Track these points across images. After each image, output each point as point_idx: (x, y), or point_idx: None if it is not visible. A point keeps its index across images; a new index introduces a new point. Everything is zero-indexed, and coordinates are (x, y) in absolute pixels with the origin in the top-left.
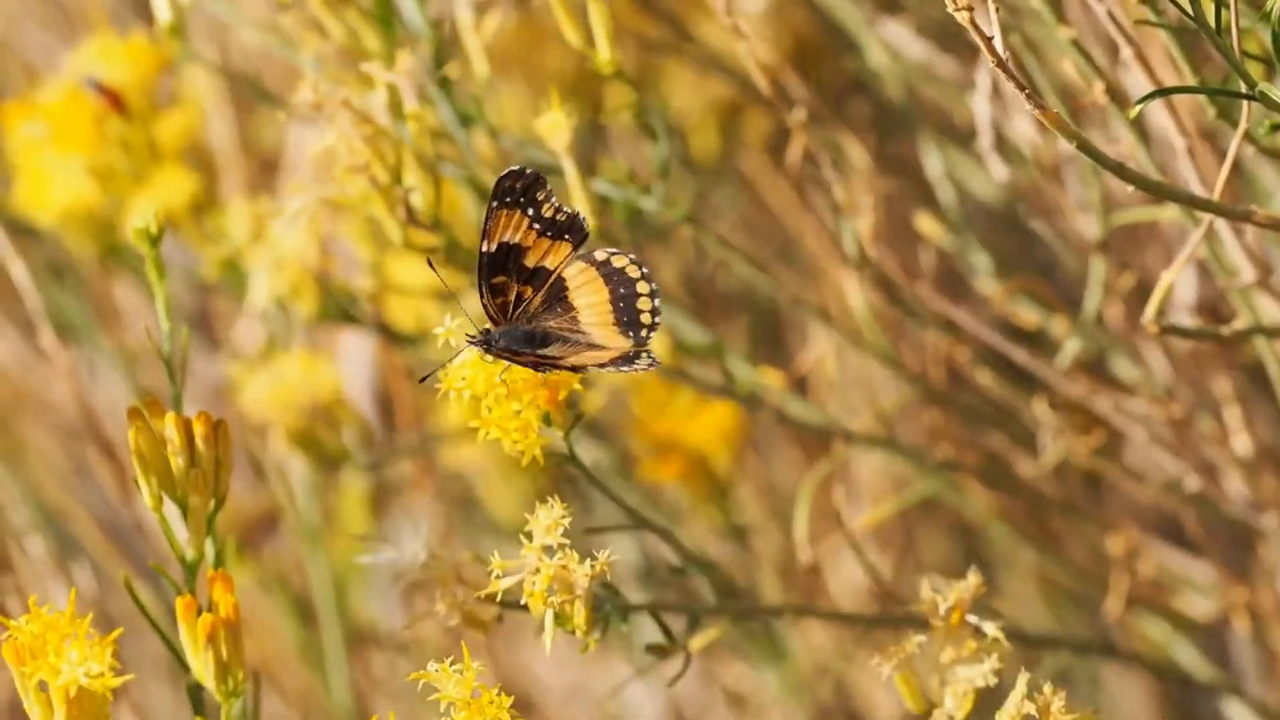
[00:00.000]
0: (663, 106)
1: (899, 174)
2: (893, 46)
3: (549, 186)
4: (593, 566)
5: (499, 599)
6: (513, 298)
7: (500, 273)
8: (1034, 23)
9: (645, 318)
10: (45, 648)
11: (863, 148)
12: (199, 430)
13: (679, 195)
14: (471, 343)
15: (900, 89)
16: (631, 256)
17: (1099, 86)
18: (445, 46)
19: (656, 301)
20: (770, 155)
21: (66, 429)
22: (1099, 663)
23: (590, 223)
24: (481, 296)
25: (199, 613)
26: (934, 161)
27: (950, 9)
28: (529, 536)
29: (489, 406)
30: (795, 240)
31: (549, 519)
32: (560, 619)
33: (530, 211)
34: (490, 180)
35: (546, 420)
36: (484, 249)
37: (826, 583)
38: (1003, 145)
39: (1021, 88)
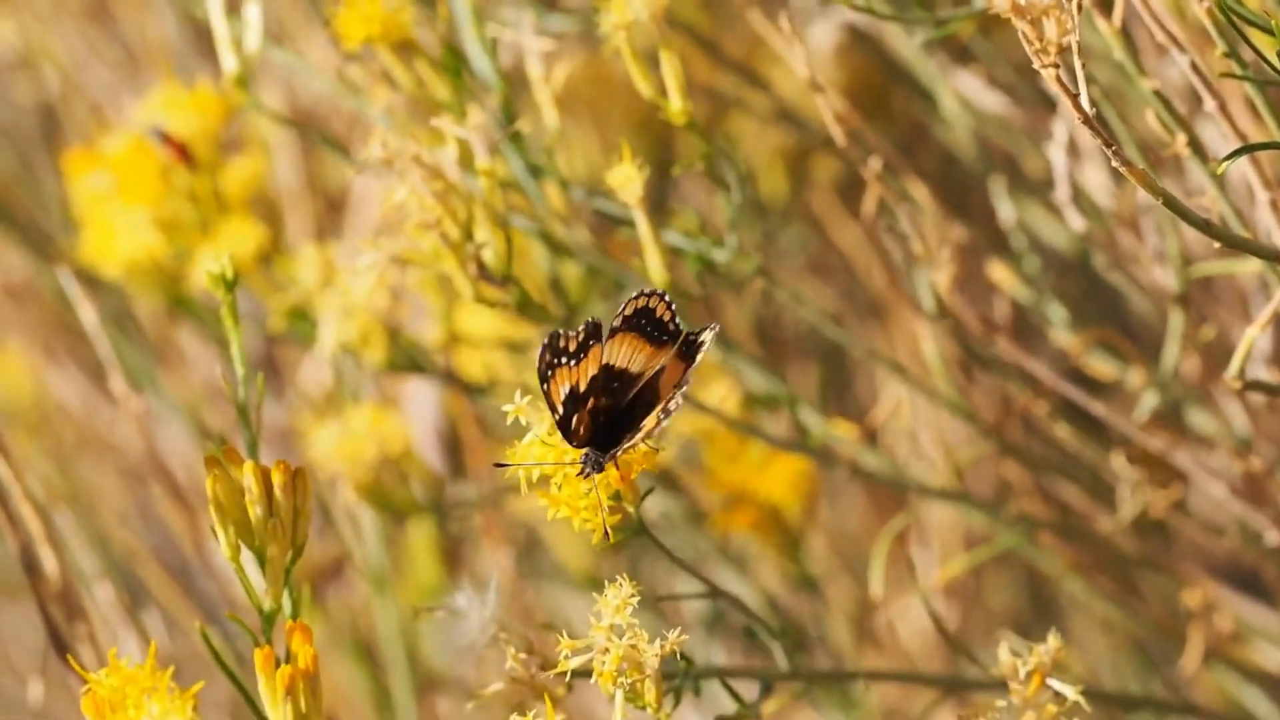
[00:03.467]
0: (734, 155)
1: (971, 223)
2: (964, 96)
3: (669, 300)
4: (662, 645)
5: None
6: (596, 409)
7: (590, 395)
8: (1112, 71)
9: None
10: (125, 701)
11: (935, 197)
12: (277, 479)
13: (750, 246)
14: (585, 473)
15: (971, 138)
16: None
17: (1181, 139)
18: (515, 96)
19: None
20: (839, 196)
21: (132, 473)
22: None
23: (663, 276)
24: (564, 423)
25: (277, 664)
26: (1007, 210)
27: (1036, 66)
28: (598, 616)
29: (558, 484)
30: (864, 281)
31: (618, 599)
32: (631, 696)
33: (648, 329)
34: (561, 232)
35: (616, 495)
36: (576, 381)
37: (898, 631)
38: (1078, 196)
39: (1108, 144)
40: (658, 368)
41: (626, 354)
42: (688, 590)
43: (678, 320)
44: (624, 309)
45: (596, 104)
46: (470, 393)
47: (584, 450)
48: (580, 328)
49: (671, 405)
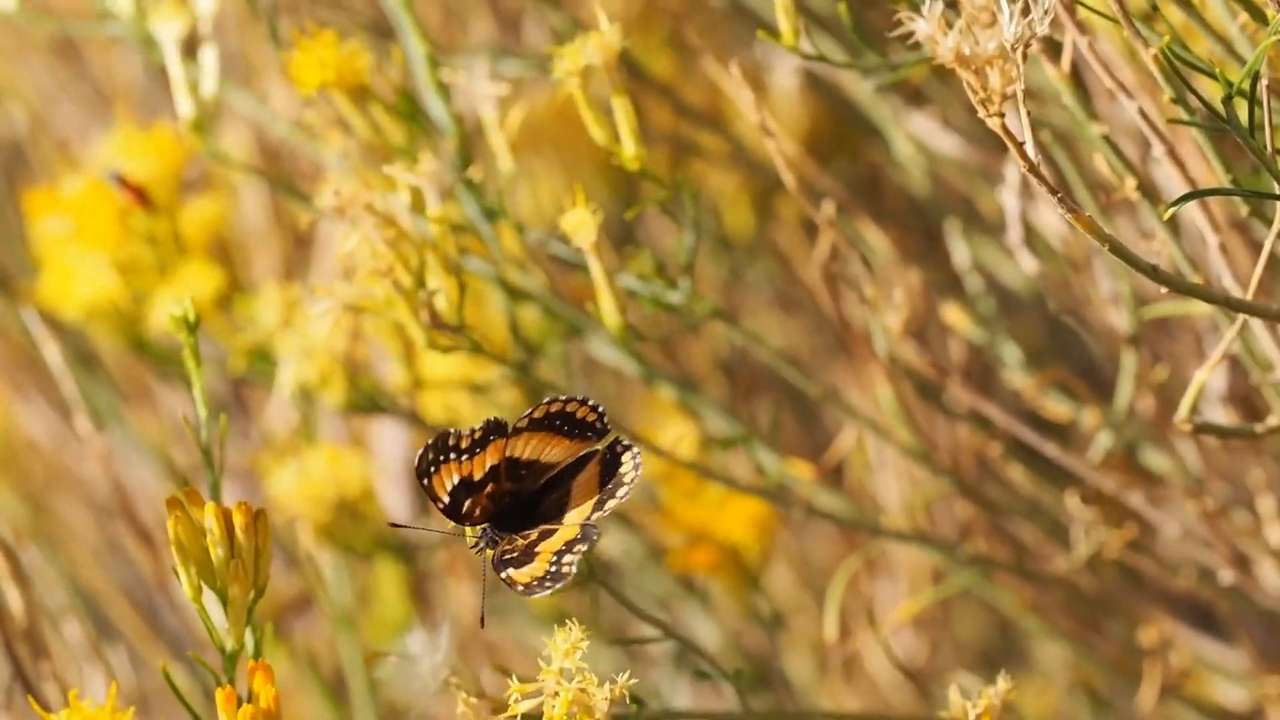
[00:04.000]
0: (690, 198)
1: (926, 264)
2: (918, 138)
3: (595, 405)
4: (612, 689)
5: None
6: (500, 493)
7: (489, 481)
8: (1064, 112)
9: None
10: None
11: (889, 239)
12: (239, 521)
13: (709, 279)
14: (478, 549)
15: (926, 180)
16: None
17: (1131, 183)
18: (470, 141)
19: (637, 461)
20: (804, 231)
21: (101, 508)
22: None
23: (616, 320)
24: (453, 509)
25: (239, 704)
26: (961, 252)
27: (981, 114)
28: (548, 660)
29: None
30: (829, 316)
31: (567, 641)
32: None
33: (564, 428)
34: (516, 276)
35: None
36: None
37: (865, 663)
38: (1031, 237)
39: (1054, 192)
40: (576, 457)
41: (537, 448)
42: (650, 630)
43: (604, 421)
44: (533, 411)
45: (559, 142)
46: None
47: (480, 528)
48: (479, 426)
49: (570, 554)
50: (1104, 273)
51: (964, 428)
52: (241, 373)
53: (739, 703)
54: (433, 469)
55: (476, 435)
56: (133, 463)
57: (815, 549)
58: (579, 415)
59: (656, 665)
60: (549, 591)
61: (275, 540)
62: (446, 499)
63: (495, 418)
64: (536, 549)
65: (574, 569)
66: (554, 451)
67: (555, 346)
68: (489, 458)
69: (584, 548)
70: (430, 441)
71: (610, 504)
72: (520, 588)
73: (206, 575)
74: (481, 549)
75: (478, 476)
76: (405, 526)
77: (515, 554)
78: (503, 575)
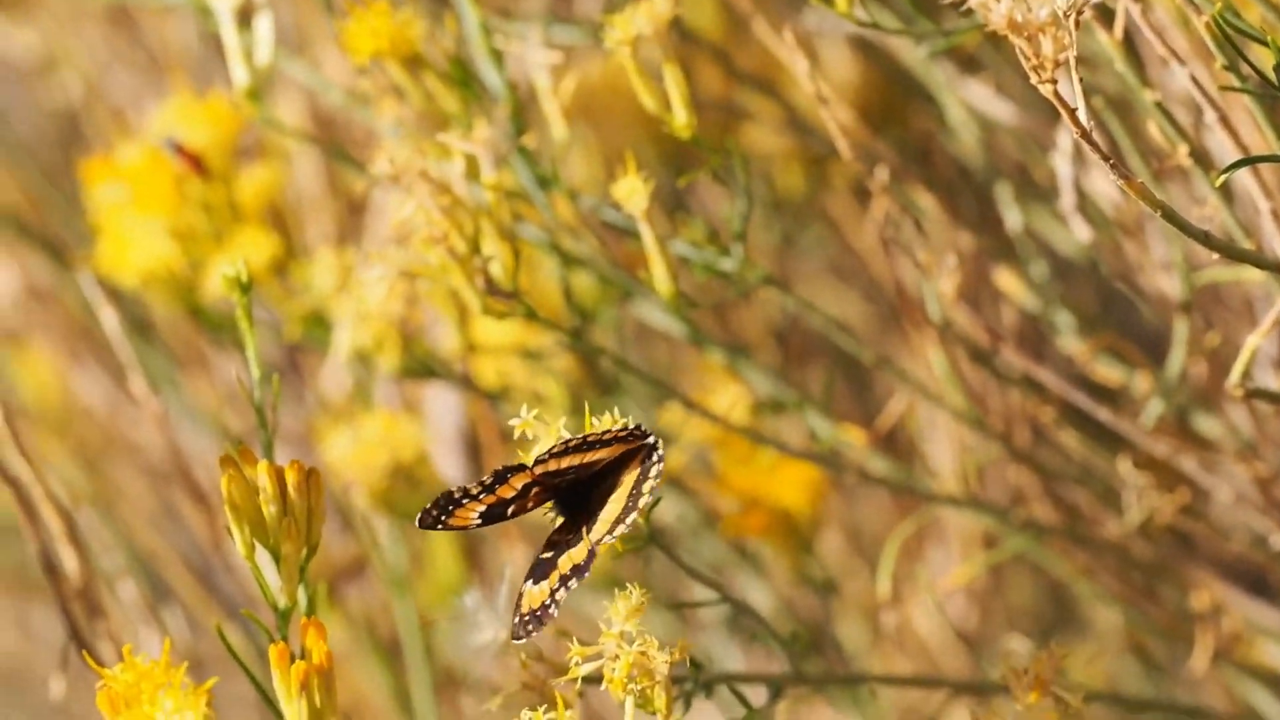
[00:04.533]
0: (742, 165)
1: (979, 231)
2: (971, 105)
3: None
4: (672, 653)
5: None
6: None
7: (528, 492)
8: (1115, 80)
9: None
10: (139, 697)
11: (942, 206)
12: (291, 479)
13: (761, 247)
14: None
15: (979, 147)
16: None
17: (1183, 150)
18: (523, 109)
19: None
20: (857, 198)
21: (156, 473)
22: None
23: (668, 287)
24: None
25: (292, 660)
26: (1014, 218)
27: (1034, 81)
28: (609, 623)
29: None
30: (882, 283)
31: (628, 606)
32: (641, 702)
33: (595, 445)
34: (569, 242)
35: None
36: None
37: (918, 629)
38: (1084, 203)
39: (1106, 158)
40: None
41: (572, 461)
42: (703, 594)
43: (641, 430)
44: (555, 447)
45: (611, 110)
46: (487, 398)
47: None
48: (486, 478)
49: (563, 589)
50: (1157, 239)
51: (1016, 393)
52: (297, 339)
53: (792, 666)
54: (443, 517)
55: (485, 481)
56: (188, 429)
57: (866, 517)
58: (614, 438)
59: (709, 631)
60: (529, 634)
61: (330, 505)
62: (477, 522)
63: (507, 466)
64: (558, 561)
65: (555, 613)
66: (594, 456)
67: (608, 313)
68: (515, 484)
69: (575, 583)
70: (428, 505)
71: (627, 520)
72: (517, 618)
73: (259, 533)
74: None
75: (509, 496)
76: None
77: (537, 566)
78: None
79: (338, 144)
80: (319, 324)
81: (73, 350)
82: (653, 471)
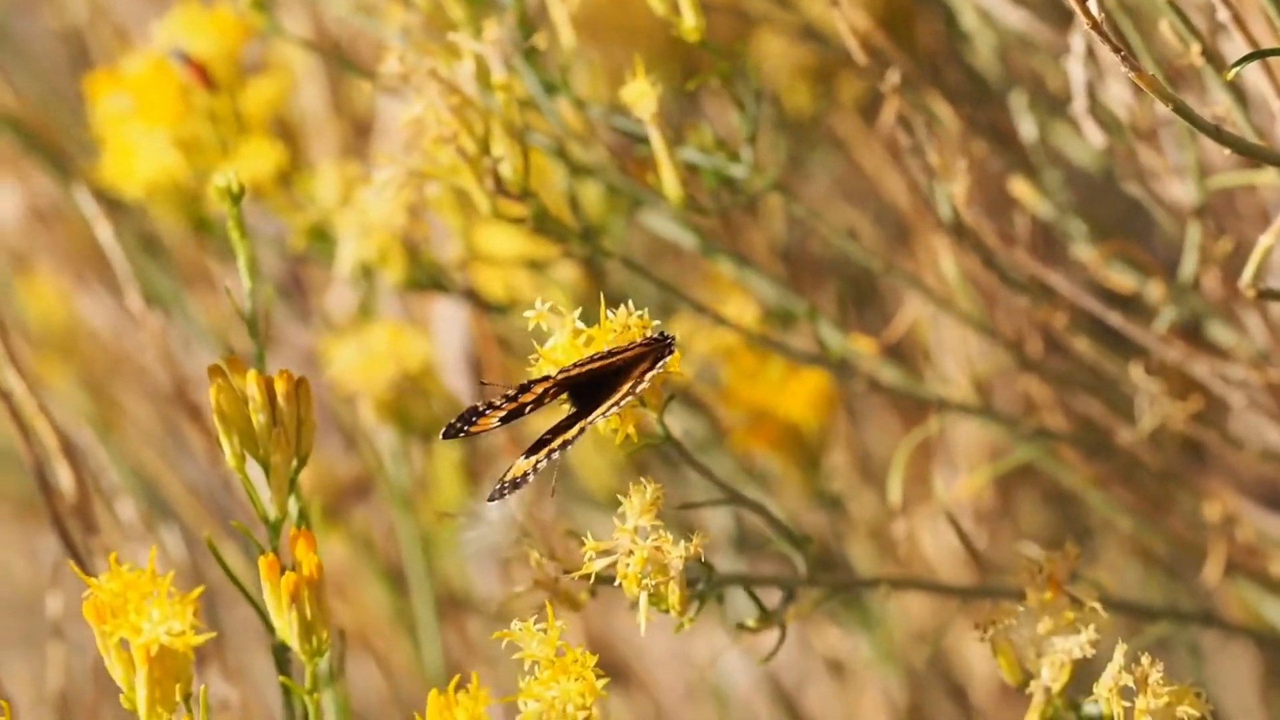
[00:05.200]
0: (753, 71)
1: (992, 139)
2: (985, 11)
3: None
4: (687, 548)
5: (592, 578)
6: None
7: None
8: None
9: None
10: (126, 606)
11: (955, 112)
12: (280, 388)
13: (768, 161)
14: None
15: (993, 54)
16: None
17: (1196, 49)
18: (531, 15)
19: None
20: (864, 116)
21: (159, 395)
22: (1198, 631)
23: (678, 192)
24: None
25: (282, 572)
26: (1028, 126)
27: None
28: (623, 518)
29: None
30: (889, 202)
31: (642, 501)
32: (655, 599)
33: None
34: (577, 150)
35: (641, 401)
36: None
37: (923, 548)
38: (1097, 109)
39: (1117, 50)
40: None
41: (595, 366)
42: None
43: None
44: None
45: (618, 22)
46: (490, 311)
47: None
48: (509, 393)
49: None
50: (1170, 145)
51: (1027, 299)
52: (301, 251)
53: (806, 570)
54: (466, 427)
55: (509, 392)
56: (194, 349)
57: (873, 439)
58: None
59: (716, 550)
60: (501, 497)
61: (335, 423)
62: (496, 426)
63: (531, 380)
64: (548, 444)
65: (531, 479)
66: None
67: (616, 224)
68: (537, 389)
69: (555, 457)
70: (453, 420)
71: (623, 402)
72: (498, 484)
73: (249, 444)
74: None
75: (529, 398)
76: (487, 432)
77: (535, 444)
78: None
79: (343, 56)
80: (323, 238)
81: (78, 272)
82: (664, 359)
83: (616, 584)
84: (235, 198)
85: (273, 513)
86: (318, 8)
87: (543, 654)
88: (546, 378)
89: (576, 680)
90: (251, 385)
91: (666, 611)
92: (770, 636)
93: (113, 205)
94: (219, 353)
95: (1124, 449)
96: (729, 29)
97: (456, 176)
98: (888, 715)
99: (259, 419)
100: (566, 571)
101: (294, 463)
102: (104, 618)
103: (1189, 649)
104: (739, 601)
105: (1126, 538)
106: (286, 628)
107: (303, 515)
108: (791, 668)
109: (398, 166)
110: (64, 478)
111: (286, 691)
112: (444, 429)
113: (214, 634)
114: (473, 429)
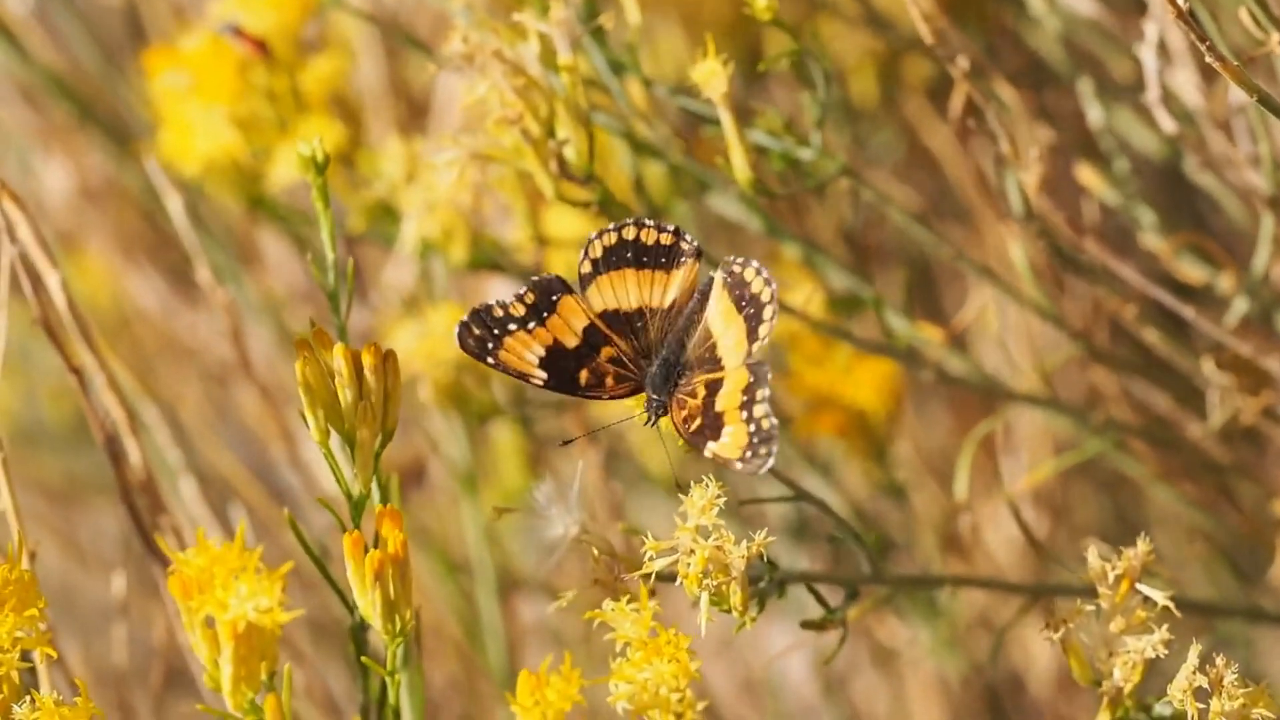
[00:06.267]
0: (821, 53)
1: (1059, 126)
2: None
3: (649, 222)
4: (749, 547)
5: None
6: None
7: (596, 344)
8: None
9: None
10: (212, 582)
11: (1022, 99)
12: (368, 362)
13: (836, 145)
14: (651, 421)
15: (1059, 41)
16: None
17: (1275, 37)
18: None
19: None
20: (930, 100)
21: (212, 376)
22: (1252, 627)
23: (747, 174)
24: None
25: (366, 549)
26: (1096, 113)
27: None
28: (684, 516)
29: None
30: (954, 187)
31: (703, 499)
32: (716, 599)
33: (640, 259)
34: (643, 130)
35: None
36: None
37: (985, 539)
38: (1168, 98)
39: (1202, 39)
40: (693, 294)
41: (628, 292)
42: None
43: (686, 237)
44: (589, 250)
45: (685, 5)
46: None
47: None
48: (524, 288)
49: (756, 404)
50: (1243, 133)
51: (1097, 290)
52: (360, 232)
53: (871, 567)
54: (489, 345)
55: (528, 298)
56: (250, 326)
57: (935, 433)
58: (650, 241)
59: (777, 538)
60: (769, 460)
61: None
62: (540, 377)
63: (543, 276)
64: (716, 407)
65: (773, 419)
66: (653, 291)
67: (679, 206)
68: (569, 319)
69: (765, 391)
70: (463, 320)
71: (762, 329)
72: (739, 466)
73: (334, 419)
74: (653, 421)
75: (572, 344)
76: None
77: (698, 420)
78: (708, 454)
79: (404, 30)
80: (385, 215)
81: (128, 252)
82: (753, 277)
83: (678, 584)
84: (320, 167)
85: (357, 490)
86: None
87: (635, 634)
88: (560, 281)
89: (670, 662)
90: (338, 359)
91: (728, 611)
92: (830, 637)
93: (171, 179)
94: (274, 330)
95: (1192, 442)
96: (795, 13)
97: (520, 159)
98: (939, 705)
99: (346, 394)
100: (626, 569)
101: (379, 438)
102: (190, 594)
103: (1244, 643)
104: (801, 598)
105: (1189, 532)
106: (370, 607)
107: (384, 493)
108: (844, 658)
109: (461, 147)
110: (132, 451)
111: (364, 672)
112: (458, 329)
113: (300, 611)
114: (503, 354)
